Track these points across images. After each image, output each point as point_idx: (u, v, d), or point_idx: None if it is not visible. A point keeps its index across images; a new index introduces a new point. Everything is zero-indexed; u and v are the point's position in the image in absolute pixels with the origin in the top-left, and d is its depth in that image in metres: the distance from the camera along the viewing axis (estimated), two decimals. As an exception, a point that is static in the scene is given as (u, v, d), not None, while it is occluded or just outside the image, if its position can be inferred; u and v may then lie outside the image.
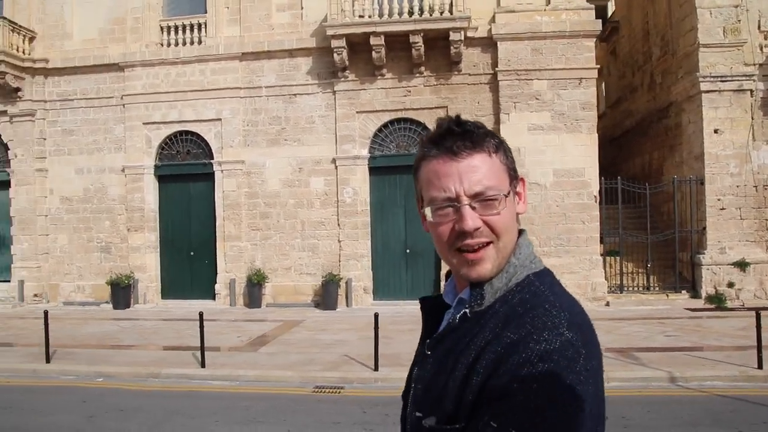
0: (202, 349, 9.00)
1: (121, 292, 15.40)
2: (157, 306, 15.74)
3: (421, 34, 14.29)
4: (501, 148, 1.18)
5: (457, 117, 1.20)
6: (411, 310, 14.29)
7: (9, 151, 16.70)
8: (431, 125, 14.67)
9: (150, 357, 9.94)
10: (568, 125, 14.53)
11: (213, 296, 15.84)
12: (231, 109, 15.63)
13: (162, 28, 16.12)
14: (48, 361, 9.44)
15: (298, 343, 10.82)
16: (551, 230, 14.49)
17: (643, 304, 14.14)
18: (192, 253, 16.08)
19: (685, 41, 14.92)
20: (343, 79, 15.19)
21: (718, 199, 14.19)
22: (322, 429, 6.47)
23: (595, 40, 14.71)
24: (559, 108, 14.55)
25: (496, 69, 14.68)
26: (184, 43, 15.95)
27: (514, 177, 1.19)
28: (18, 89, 16.27)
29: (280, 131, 15.54)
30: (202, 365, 8.95)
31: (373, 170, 15.23)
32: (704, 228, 14.26)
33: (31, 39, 16.59)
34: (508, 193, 1.16)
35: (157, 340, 11.44)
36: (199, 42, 15.90)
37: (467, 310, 1.17)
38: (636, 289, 14.88)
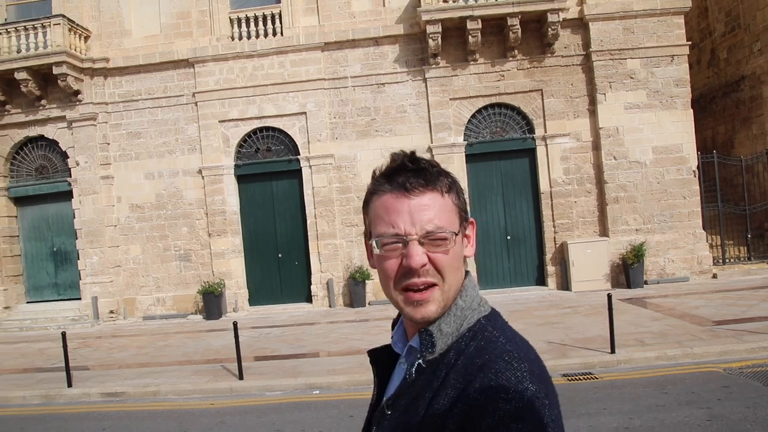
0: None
1: (214, 301, 14.52)
2: (250, 314, 14.92)
3: (519, 17, 14.07)
4: (453, 188, 1.18)
5: (412, 153, 1.18)
6: (517, 297, 14.15)
7: (69, 160, 15.48)
8: (526, 109, 14.61)
9: (337, 365, 9.29)
10: (663, 102, 14.62)
11: (307, 299, 15.18)
12: (316, 101, 14.97)
13: (232, 21, 15.28)
14: (241, 377, 8.70)
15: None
16: (654, 207, 14.56)
17: (749, 274, 14.39)
18: (280, 255, 15.34)
19: (765, 15, 15.26)
20: (434, 65, 14.80)
21: (811, 167, 14.62)
22: (665, 412, 6.18)
23: (683, 16, 14.80)
24: (653, 86, 14.62)
25: (590, 50, 14.62)
26: (257, 36, 15.18)
27: (464, 218, 1.19)
28: (78, 92, 15.10)
29: (370, 122, 15.01)
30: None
31: (469, 157, 14.91)
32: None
33: (86, 38, 15.43)
34: (457, 233, 1.15)
35: (312, 346, 10.73)
36: (274, 33, 15.16)
37: (420, 361, 1.15)
38: (734, 260, 15.14)
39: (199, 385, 8.68)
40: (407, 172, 1.13)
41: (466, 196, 14.23)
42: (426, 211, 1.11)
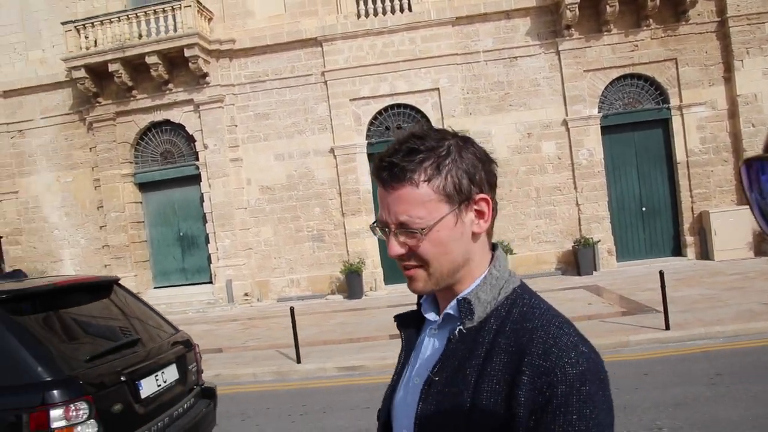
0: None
1: (357, 280, 14.47)
2: (389, 293, 14.84)
3: (659, -16, 13.95)
4: (440, 171, 1.13)
5: (398, 142, 1.17)
6: (662, 266, 13.97)
7: (195, 143, 15.35)
8: (660, 79, 14.49)
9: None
10: (802, 66, 14.53)
11: (441, 276, 15.09)
12: (448, 77, 14.84)
13: (357, -2, 15.12)
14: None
15: (695, 300, 10.32)
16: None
17: None
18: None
19: None
20: (567, 37, 14.67)
21: None
22: None
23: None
24: (791, 50, 14.53)
25: (725, 16, 14.49)
26: (384, 12, 15.01)
27: (463, 199, 1.15)
28: (205, 74, 14.94)
29: (504, 96, 14.89)
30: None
31: (604, 129, 14.82)
32: None
33: (210, 20, 15.26)
34: (437, 222, 1.13)
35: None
36: (401, 9, 15.00)
37: (461, 327, 1.15)
38: None
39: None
40: (384, 169, 1.15)
41: (602, 168, 13.99)
42: (400, 203, 1.14)
